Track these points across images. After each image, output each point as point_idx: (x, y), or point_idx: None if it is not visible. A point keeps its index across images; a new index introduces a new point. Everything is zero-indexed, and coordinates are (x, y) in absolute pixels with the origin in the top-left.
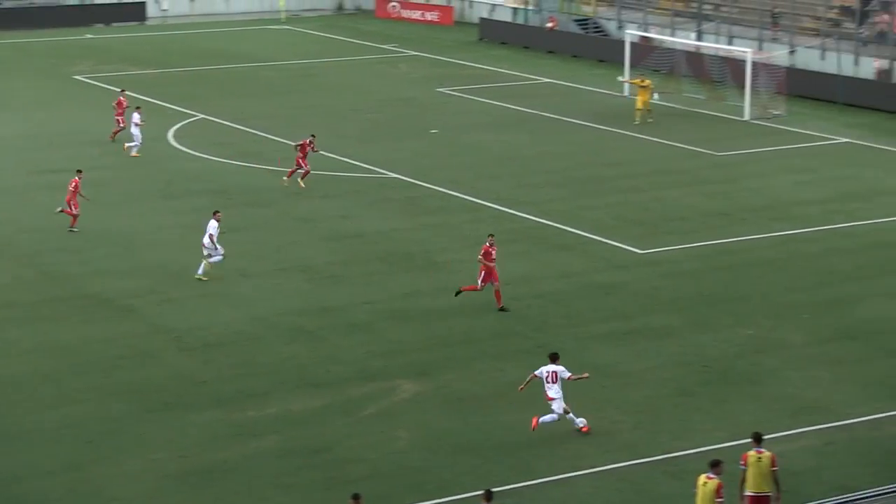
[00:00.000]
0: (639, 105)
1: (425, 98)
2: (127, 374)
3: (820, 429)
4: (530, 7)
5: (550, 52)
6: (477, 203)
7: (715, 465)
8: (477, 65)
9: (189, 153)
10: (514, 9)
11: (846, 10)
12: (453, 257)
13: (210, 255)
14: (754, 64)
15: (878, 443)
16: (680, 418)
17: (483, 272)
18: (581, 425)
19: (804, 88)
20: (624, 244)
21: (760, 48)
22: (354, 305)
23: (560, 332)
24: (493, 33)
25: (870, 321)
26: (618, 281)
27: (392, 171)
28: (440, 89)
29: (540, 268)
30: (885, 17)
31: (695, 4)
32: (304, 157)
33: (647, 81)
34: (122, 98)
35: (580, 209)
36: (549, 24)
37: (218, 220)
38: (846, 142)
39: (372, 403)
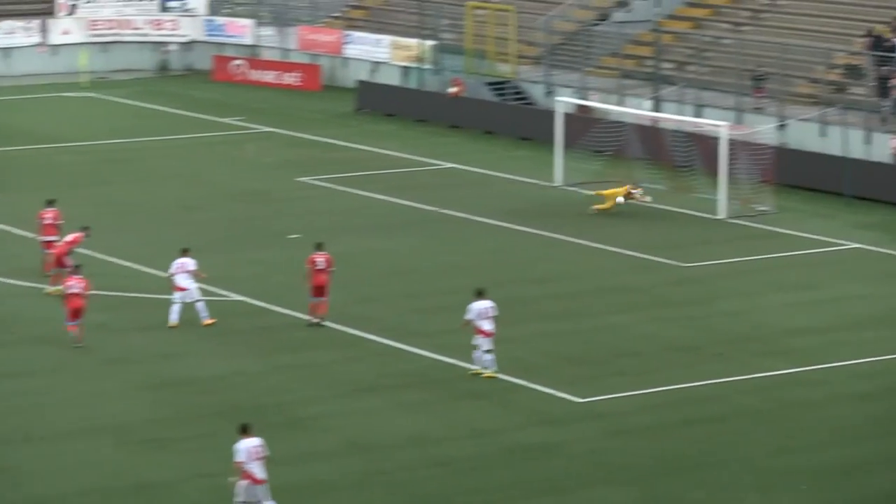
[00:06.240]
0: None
1: (281, 191)
2: None
3: None
4: (426, 66)
5: (454, 126)
6: (353, 335)
7: None
8: (353, 145)
9: None
10: (405, 67)
11: (853, 71)
12: (321, 410)
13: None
14: (732, 142)
15: None
16: None
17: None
18: None
19: (799, 176)
20: (557, 390)
21: (740, 121)
22: (184, 480)
23: None
24: (376, 101)
25: (890, 495)
26: (550, 441)
27: (235, 293)
28: (301, 178)
29: (441, 424)
30: None
31: (650, 63)
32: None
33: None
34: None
35: (497, 342)
36: (453, 90)
37: None
38: (856, 247)
39: None
